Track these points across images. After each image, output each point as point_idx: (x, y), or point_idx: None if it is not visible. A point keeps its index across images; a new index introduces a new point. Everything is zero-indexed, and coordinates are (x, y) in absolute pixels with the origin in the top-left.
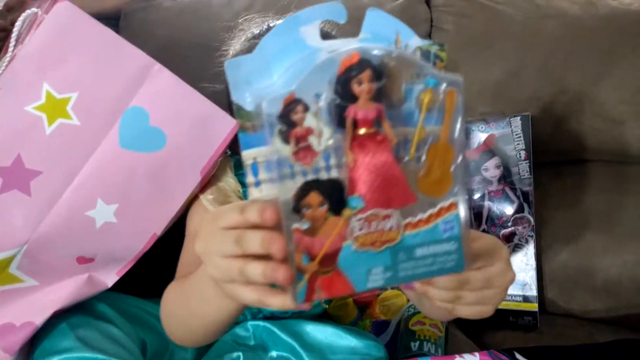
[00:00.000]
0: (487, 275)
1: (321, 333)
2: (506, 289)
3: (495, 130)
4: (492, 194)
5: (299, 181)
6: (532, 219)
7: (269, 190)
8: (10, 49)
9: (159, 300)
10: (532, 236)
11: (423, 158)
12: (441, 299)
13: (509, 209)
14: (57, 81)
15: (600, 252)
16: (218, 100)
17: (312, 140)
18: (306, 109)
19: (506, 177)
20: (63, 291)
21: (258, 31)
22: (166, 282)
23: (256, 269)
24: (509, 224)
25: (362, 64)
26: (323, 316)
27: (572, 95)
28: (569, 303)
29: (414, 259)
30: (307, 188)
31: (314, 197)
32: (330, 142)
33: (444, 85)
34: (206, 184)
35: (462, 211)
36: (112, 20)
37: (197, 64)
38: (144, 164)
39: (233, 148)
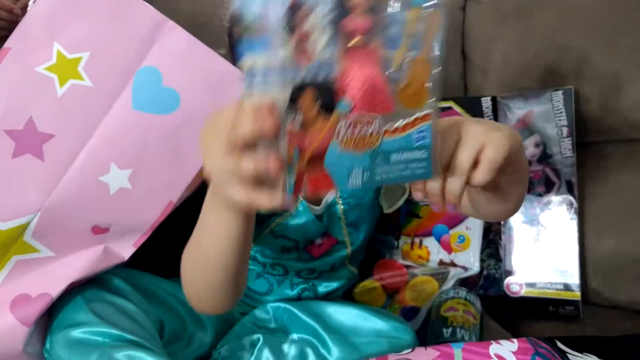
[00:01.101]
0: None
1: (344, 315)
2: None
3: (535, 106)
4: (531, 175)
5: (296, 81)
6: (574, 202)
7: (264, 93)
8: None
9: (179, 280)
10: (574, 220)
11: (404, 72)
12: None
13: (550, 191)
14: (68, 41)
15: None
16: None
17: (310, 43)
18: (309, 12)
19: (546, 156)
20: (79, 263)
21: None
22: None
23: (249, 161)
24: (550, 206)
25: None
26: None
27: (620, 67)
28: (614, 293)
29: (389, 164)
30: (303, 86)
31: (308, 96)
32: (327, 49)
33: (430, 3)
34: None
35: (434, 123)
36: None
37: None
38: (157, 127)
39: None
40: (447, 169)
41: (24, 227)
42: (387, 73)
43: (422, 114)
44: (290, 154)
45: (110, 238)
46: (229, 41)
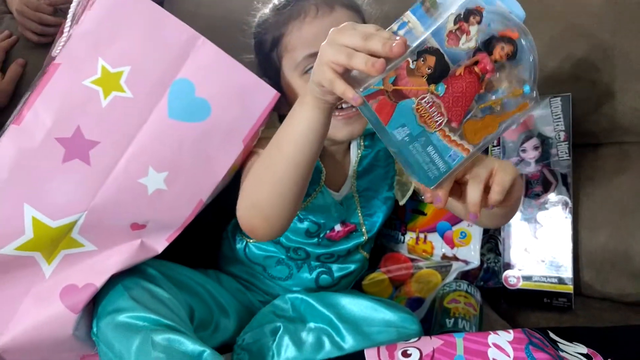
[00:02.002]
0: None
1: (357, 306)
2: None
3: (535, 111)
4: (530, 176)
5: (434, 45)
6: (569, 201)
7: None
8: (67, 30)
9: (205, 271)
10: (569, 219)
11: (480, 115)
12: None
13: (546, 191)
14: (111, 56)
15: (639, 235)
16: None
17: (463, 39)
18: (478, 22)
19: (544, 158)
20: (118, 256)
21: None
22: (210, 254)
23: (360, 57)
24: (547, 205)
25: (514, 43)
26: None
27: (614, 75)
28: (605, 286)
29: (423, 149)
30: (433, 51)
31: (431, 59)
32: (468, 52)
33: (531, 94)
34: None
35: (468, 159)
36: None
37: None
38: (191, 133)
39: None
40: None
41: (72, 225)
42: (481, 103)
43: (465, 147)
44: (387, 76)
45: (146, 234)
46: (255, 47)
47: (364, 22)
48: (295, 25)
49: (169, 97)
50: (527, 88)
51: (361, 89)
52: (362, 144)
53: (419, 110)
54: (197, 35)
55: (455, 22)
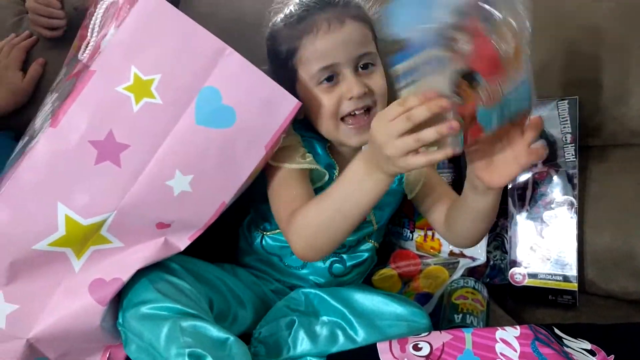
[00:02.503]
0: None
1: (369, 300)
2: None
3: (543, 112)
4: (536, 176)
5: (449, 74)
6: (575, 201)
7: (418, 86)
8: (95, 35)
9: (222, 265)
10: (574, 218)
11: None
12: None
13: (553, 191)
14: (143, 64)
15: None
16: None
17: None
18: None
19: (551, 159)
20: (143, 252)
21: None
22: (227, 250)
23: (430, 131)
24: (552, 205)
25: None
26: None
27: (621, 78)
28: (608, 284)
29: (506, 110)
30: (458, 76)
31: (462, 81)
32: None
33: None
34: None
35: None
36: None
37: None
38: (216, 139)
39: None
40: None
41: (101, 223)
42: (500, 52)
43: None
44: (458, 118)
45: (170, 232)
46: (269, 55)
47: (373, 31)
48: (309, 40)
49: (197, 104)
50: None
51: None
52: None
53: (487, 103)
54: (224, 46)
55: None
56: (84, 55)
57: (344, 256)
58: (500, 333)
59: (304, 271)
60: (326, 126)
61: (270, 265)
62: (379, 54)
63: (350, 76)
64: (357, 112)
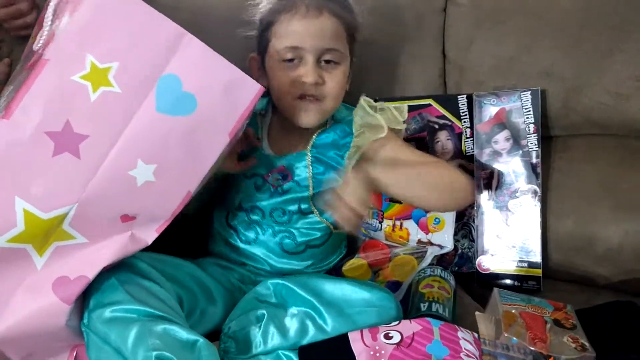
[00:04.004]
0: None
1: (337, 289)
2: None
3: (507, 104)
4: (501, 166)
5: None
6: (538, 190)
7: None
8: (48, 24)
9: (191, 260)
10: (538, 206)
11: None
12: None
13: (517, 180)
14: (100, 52)
15: (603, 222)
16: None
17: None
18: None
19: (515, 149)
20: (109, 248)
21: None
22: (200, 244)
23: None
24: (517, 194)
25: None
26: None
27: (582, 70)
28: (571, 269)
29: None
30: None
31: None
32: None
33: None
34: None
35: None
36: None
37: (224, 34)
38: (178, 127)
39: None
40: None
41: (63, 217)
42: None
43: None
44: None
45: (136, 225)
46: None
47: (348, 31)
48: (286, 18)
49: (157, 92)
50: None
51: None
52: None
53: None
54: (183, 32)
55: None
56: (39, 45)
57: (294, 231)
58: (460, 333)
59: (257, 249)
60: (278, 99)
61: (230, 245)
62: (349, 57)
63: (310, 64)
64: (307, 97)
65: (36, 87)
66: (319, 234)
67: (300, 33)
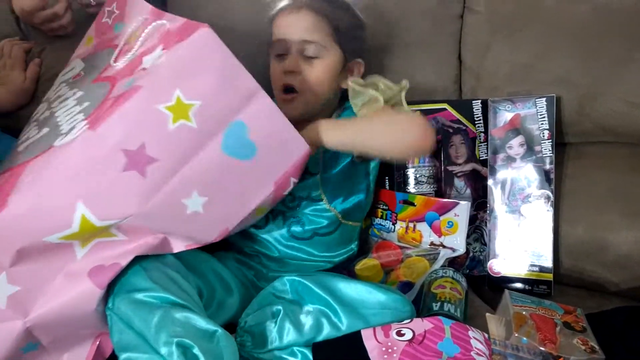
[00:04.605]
0: None
1: (352, 289)
2: None
3: (521, 110)
4: (515, 171)
5: None
6: (551, 195)
7: None
8: (135, 48)
9: (211, 253)
10: (550, 212)
11: None
12: None
13: (530, 185)
14: (187, 89)
15: (614, 228)
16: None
17: None
18: None
19: (529, 155)
20: (143, 245)
21: None
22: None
23: None
24: (530, 199)
25: None
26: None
27: (597, 78)
28: (582, 275)
29: None
30: None
31: None
32: None
33: None
34: None
35: None
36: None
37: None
38: (235, 169)
39: None
40: None
41: (114, 225)
42: None
43: None
44: None
45: (171, 237)
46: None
47: (332, 26)
48: (278, 15)
49: (225, 134)
50: None
51: None
52: None
53: None
54: (259, 88)
55: None
56: (118, 63)
57: (303, 218)
58: (471, 332)
59: (266, 235)
60: (273, 92)
61: (241, 232)
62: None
63: (292, 54)
64: (288, 88)
65: (125, 108)
66: (325, 222)
67: (283, 27)
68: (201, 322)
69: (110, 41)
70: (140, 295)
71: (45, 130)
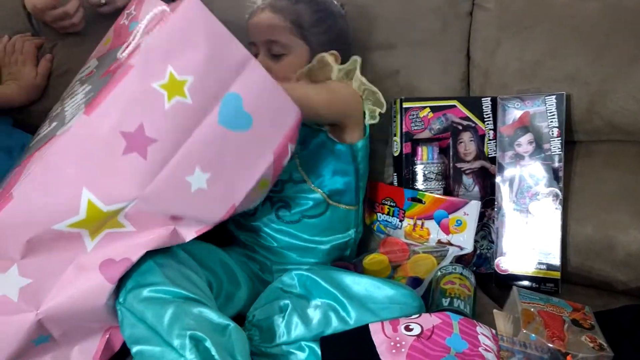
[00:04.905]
0: None
1: (359, 285)
2: None
3: (531, 107)
4: (523, 168)
5: None
6: (560, 194)
7: None
8: (137, 36)
9: (220, 247)
10: (559, 210)
11: None
12: None
13: (539, 183)
14: (179, 65)
15: (623, 227)
16: None
17: None
18: None
19: (538, 152)
20: (152, 238)
21: None
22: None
23: None
24: (538, 196)
25: None
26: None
27: (607, 76)
28: (590, 274)
29: None
30: None
31: None
32: None
33: None
34: None
35: None
36: None
37: None
38: (233, 140)
39: None
40: None
41: (120, 210)
42: None
43: None
44: None
45: (180, 224)
46: None
47: (293, 23)
48: (249, 20)
49: (221, 107)
50: None
51: None
52: None
53: None
54: (250, 56)
55: None
56: (123, 54)
57: (289, 201)
58: (479, 328)
59: (257, 222)
60: None
61: (235, 222)
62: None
63: (261, 55)
64: None
65: (118, 89)
66: (311, 202)
67: (251, 30)
68: (214, 316)
69: (124, 39)
70: (152, 290)
71: (54, 124)
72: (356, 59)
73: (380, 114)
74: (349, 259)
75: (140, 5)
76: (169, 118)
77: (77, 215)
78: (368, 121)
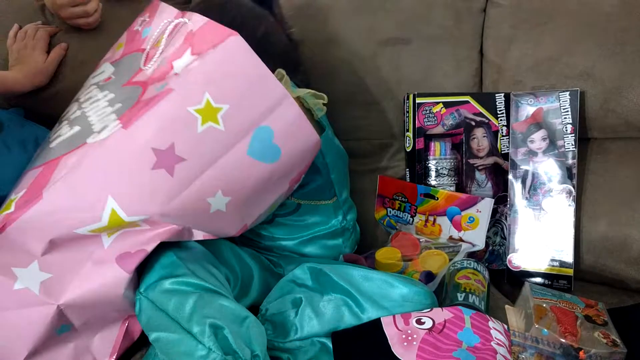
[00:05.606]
0: None
1: (371, 281)
2: None
3: (544, 104)
4: (536, 165)
5: None
6: (573, 191)
7: None
8: (160, 50)
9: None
10: (572, 207)
11: None
12: None
13: (552, 180)
14: (216, 93)
15: (637, 225)
16: None
17: None
18: None
19: (551, 149)
20: (166, 232)
21: None
22: None
23: None
24: (551, 193)
25: None
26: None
27: (622, 73)
28: (603, 272)
29: None
30: None
31: None
32: None
33: None
34: None
35: None
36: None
37: None
38: (259, 171)
39: None
40: None
41: (141, 220)
42: None
43: None
44: None
45: (194, 229)
46: None
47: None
48: None
49: (252, 138)
50: None
51: None
52: None
53: None
54: (287, 94)
55: None
56: (148, 66)
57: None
58: (491, 323)
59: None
60: None
61: None
62: None
63: None
64: None
65: (157, 109)
66: (285, 209)
67: None
68: (233, 308)
69: (138, 45)
70: (175, 282)
71: (77, 128)
72: (280, 71)
73: (324, 104)
74: (350, 249)
75: (153, 12)
76: (200, 141)
77: (100, 222)
78: (318, 116)
